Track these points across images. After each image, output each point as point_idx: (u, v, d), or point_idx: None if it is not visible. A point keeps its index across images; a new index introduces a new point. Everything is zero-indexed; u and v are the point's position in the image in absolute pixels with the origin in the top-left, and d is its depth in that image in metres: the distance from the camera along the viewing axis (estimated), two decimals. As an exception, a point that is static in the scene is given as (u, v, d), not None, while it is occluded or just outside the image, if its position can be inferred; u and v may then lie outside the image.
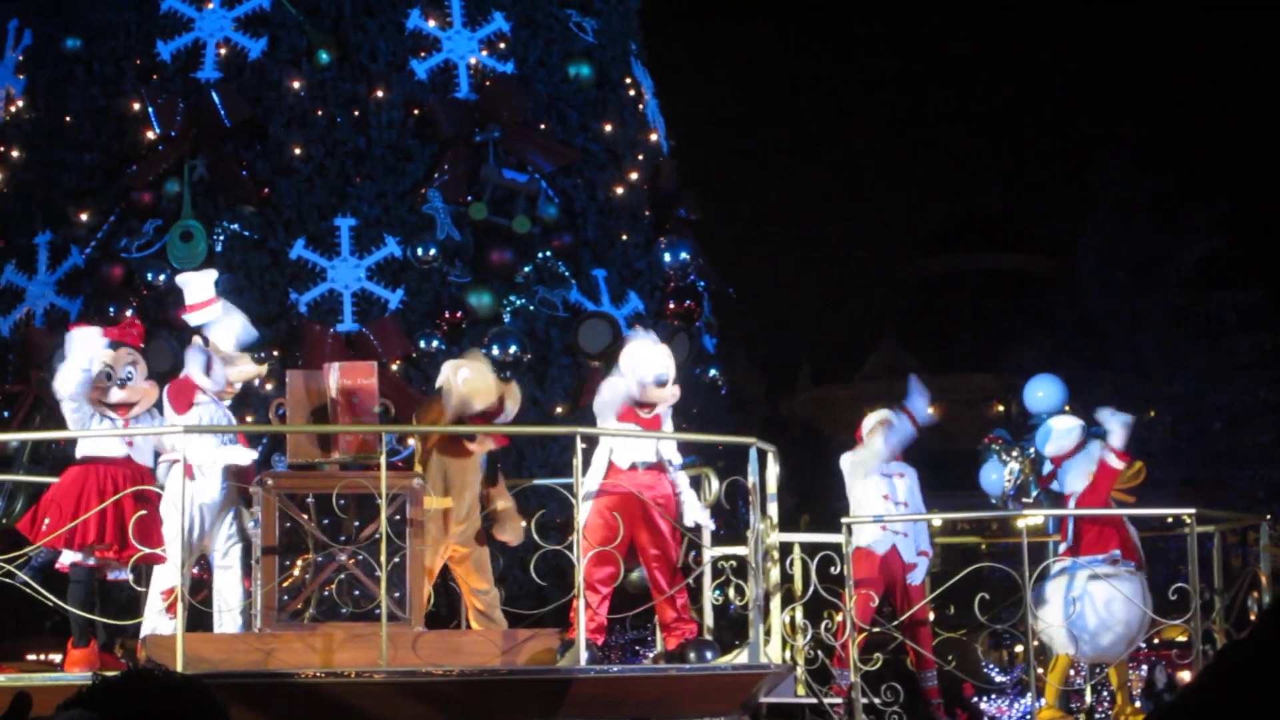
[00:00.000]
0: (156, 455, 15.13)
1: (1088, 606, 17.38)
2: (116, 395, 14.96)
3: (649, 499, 15.53)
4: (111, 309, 22.64)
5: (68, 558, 14.90)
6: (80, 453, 15.04)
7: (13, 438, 20.49)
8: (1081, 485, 17.88)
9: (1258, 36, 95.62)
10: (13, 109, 25.62)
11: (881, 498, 17.89)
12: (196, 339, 15.81)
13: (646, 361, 15.77)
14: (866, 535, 17.70)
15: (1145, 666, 26.76)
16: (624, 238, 25.19)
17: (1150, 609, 17.44)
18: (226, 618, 15.36)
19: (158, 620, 14.98)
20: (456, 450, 15.76)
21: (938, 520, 18.81)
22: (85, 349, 15.02)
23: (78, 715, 3.72)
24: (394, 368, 22.35)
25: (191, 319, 16.13)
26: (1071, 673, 18.40)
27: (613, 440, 15.67)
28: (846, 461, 17.96)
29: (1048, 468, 18.51)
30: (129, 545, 14.62)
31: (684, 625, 15.82)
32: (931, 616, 18.22)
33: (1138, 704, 18.22)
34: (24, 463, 20.83)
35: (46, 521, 14.63)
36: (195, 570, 15.41)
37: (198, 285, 16.40)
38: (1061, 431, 18.17)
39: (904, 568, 17.83)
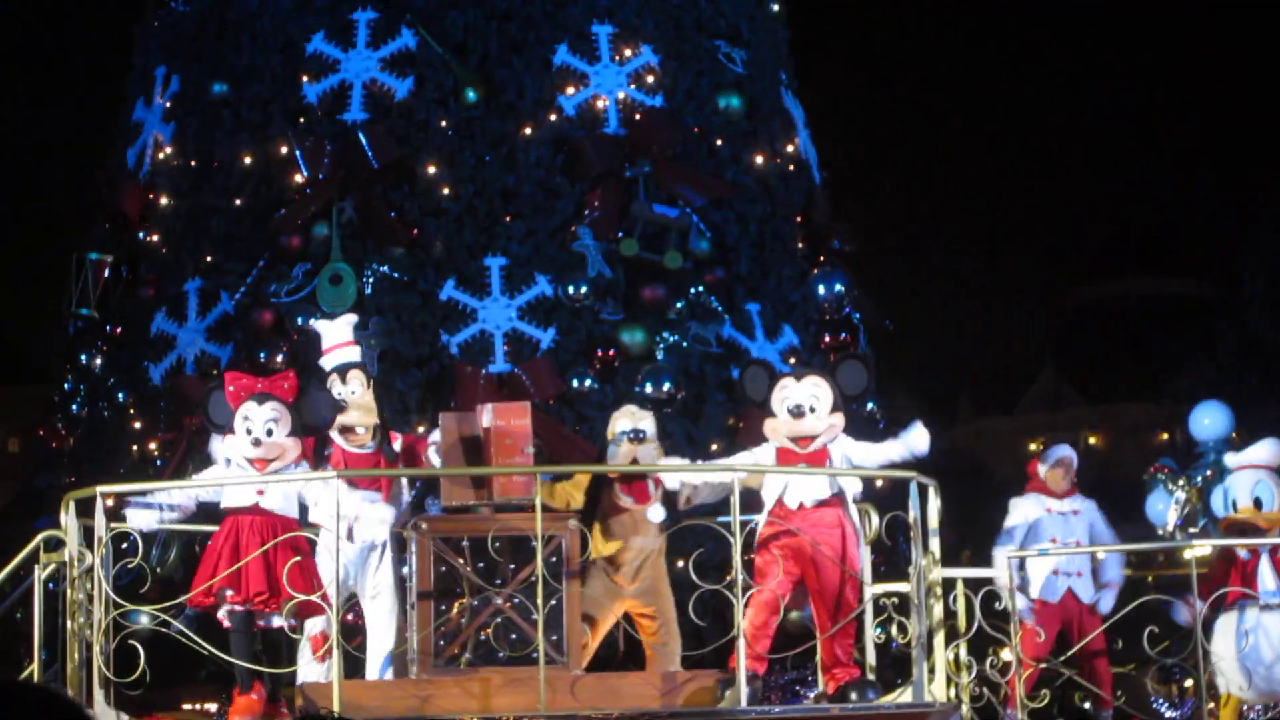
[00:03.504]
0: (303, 506, 15.20)
1: (1262, 640, 17.21)
2: (251, 451, 15.01)
3: (814, 538, 15.53)
4: (262, 355, 22.83)
5: (223, 610, 15.04)
6: (222, 504, 15.24)
7: (164, 486, 20.63)
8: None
9: None
10: (161, 155, 25.87)
11: (1050, 540, 17.88)
12: (334, 378, 15.94)
13: (788, 394, 15.82)
14: (1037, 588, 17.70)
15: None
16: (778, 272, 25.16)
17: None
18: (372, 660, 15.50)
19: (310, 668, 15.09)
20: (610, 502, 15.90)
21: (1102, 554, 18.65)
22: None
23: None
24: (547, 407, 22.37)
25: (326, 362, 16.25)
26: (1245, 709, 18.20)
27: (780, 478, 15.68)
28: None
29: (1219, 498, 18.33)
30: (281, 592, 14.73)
31: (846, 669, 15.76)
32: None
33: None
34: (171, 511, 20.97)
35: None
36: (349, 616, 15.51)
37: (335, 329, 16.55)
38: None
39: (1080, 608, 17.76)
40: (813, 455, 15.70)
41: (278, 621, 14.88)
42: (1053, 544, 17.77)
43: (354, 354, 16.34)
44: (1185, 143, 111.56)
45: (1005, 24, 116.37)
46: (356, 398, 15.78)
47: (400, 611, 15.55)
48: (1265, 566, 17.38)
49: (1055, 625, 17.54)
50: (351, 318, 16.91)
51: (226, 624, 15.09)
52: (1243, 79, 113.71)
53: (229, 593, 14.71)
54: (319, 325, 16.98)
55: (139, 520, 15.22)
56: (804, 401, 15.77)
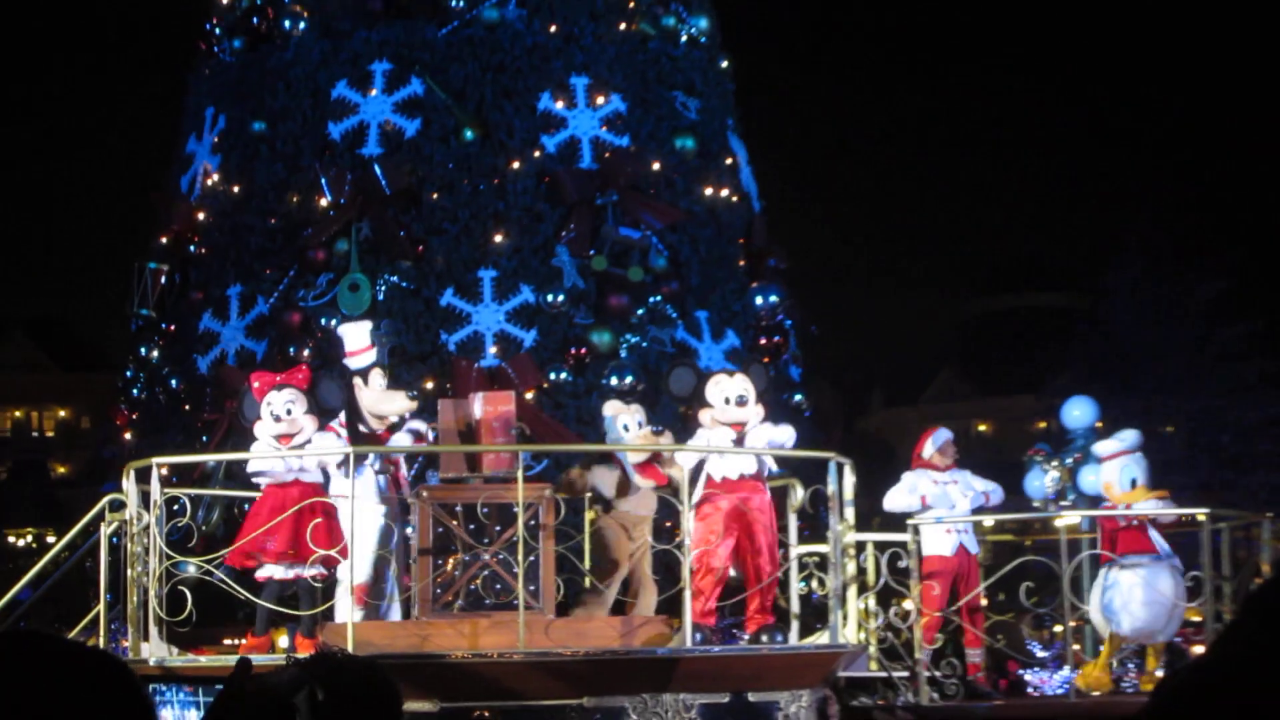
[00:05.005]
0: (326, 472, 15.33)
1: (1115, 593, 17.42)
2: (275, 428, 15.20)
3: (748, 508, 15.65)
4: (291, 349, 22.88)
5: (263, 570, 15.20)
6: (257, 478, 15.42)
7: (210, 458, 20.69)
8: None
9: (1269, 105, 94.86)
10: (209, 181, 25.86)
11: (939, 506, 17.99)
12: (356, 380, 16.07)
13: (725, 387, 15.91)
14: (933, 544, 17.77)
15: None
16: (723, 285, 25.21)
17: (1177, 595, 17.40)
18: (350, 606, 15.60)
19: (349, 612, 15.20)
20: (625, 479, 15.91)
21: (989, 521, 18.77)
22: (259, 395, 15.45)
23: (294, 674, 3.87)
24: (529, 396, 22.41)
25: (351, 364, 16.36)
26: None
27: (713, 458, 15.77)
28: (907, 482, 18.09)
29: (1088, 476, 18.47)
30: (306, 549, 14.86)
31: (763, 616, 15.90)
32: (985, 602, 18.20)
33: (1120, 672, 18.18)
34: (219, 479, 21.02)
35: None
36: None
37: (356, 334, 16.64)
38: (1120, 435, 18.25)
39: (970, 559, 17.86)
40: (743, 438, 15.85)
41: (309, 571, 15.01)
42: (943, 509, 17.86)
43: (373, 357, 16.47)
44: (1062, 179, 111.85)
45: (914, 80, 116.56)
46: (376, 395, 16.00)
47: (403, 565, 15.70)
48: (1154, 532, 17.59)
49: (949, 579, 17.63)
50: (367, 324, 17.02)
51: (262, 578, 15.23)
52: (1109, 129, 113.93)
53: (268, 544, 14.90)
54: (342, 331, 17.09)
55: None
56: (742, 393, 15.90)
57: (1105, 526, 17.80)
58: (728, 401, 15.87)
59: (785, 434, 16.22)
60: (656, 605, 15.69)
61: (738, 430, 15.84)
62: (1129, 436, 18.32)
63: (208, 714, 3.78)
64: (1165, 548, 17.59)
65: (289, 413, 15.22)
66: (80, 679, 3.14)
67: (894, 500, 17.86)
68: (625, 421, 16.05)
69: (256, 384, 15.58)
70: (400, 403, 16.06)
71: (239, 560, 15.24)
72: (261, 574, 15.18)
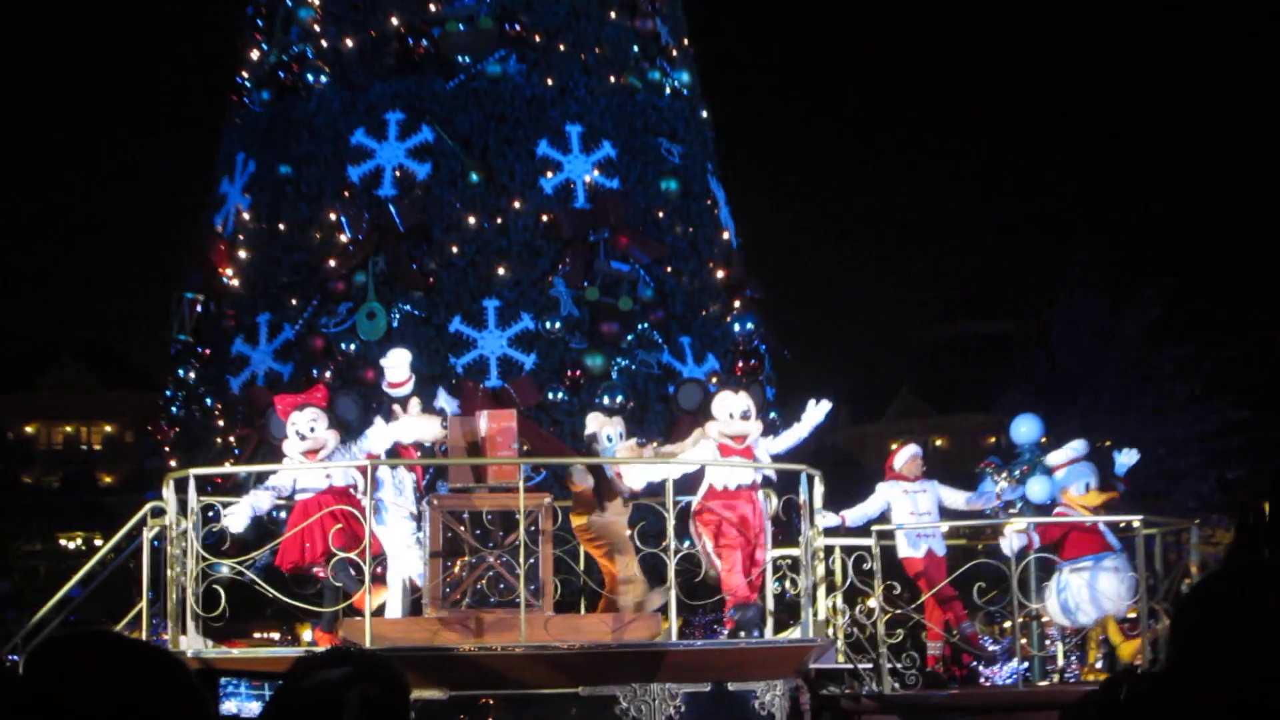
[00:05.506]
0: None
1: (1068, 594, 17.49)
2: (304, 445, 15.25)
3: (732, 516, 15.59)
4: (314, 371, 22.81)
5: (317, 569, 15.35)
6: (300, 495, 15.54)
7: (242, 470, 20.63)
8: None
9: (1192, 155, 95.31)
10: (240, 219, 25.81)
11: (908, 513, 18.03)
12: (396, 408, 16.15)
13: (731, 403, 15.86)
14: (904, 548, 17.87)
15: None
16: (704, 313, 25.18)
17: (1121, 587, 17.46)
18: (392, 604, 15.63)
19: (393, 607, 15.32)
20: (607, 484, 15.87)
21: (945, 527, 18.74)
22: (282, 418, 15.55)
23: (346, 671, 3.85)
24: (529, 414, 22.35)
25: (393, 393, 16.42)
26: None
27: (713, 469, 15.74)
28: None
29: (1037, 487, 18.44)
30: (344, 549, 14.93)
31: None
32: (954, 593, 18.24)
33: (1099, 665, 18.22)
34: (250, 488, 20.94)
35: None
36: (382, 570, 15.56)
37: (397, 367, 16.64)
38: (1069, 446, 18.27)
39: (937, 561, 17.92)
40: (745, 450, 15.80)
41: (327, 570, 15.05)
42: (911, 515, 17.92)
43: (411, 386, 16.53)
44: (1011, 217, 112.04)
45: (878, 128, 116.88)
46: (415, 420, 16.07)
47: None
48: (1107, 530, 17.65)
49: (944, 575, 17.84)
50: (407, 354, 17.00)
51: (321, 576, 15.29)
52: (1054, 171, 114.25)
53: (308, 547, 15.00)
54: (385, 363, 17.08)
55: (235, 521, 15.42)
56: (746, 408, 15.86)
57: (1052, 532, 17.79)
58: (732, 416, 15.84)
59: (815, 414, 16.34)
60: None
61: (739, 442, 15.80)
62: (1079, 445, 18.38)
63: (267, 706, 3.81)
64: (1118, 544, 17.66)
65: (312, 430, 15.28)
66: (142, 673, 3.19)
67: (862, 510, 17.92)
68: (608, 432, 16.07)
69: (280, 406, 15.62)
70: (434, 429, 16.03)
71: (289, 563, 15.31)
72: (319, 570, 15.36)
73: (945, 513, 18.35)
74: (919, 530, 17.84)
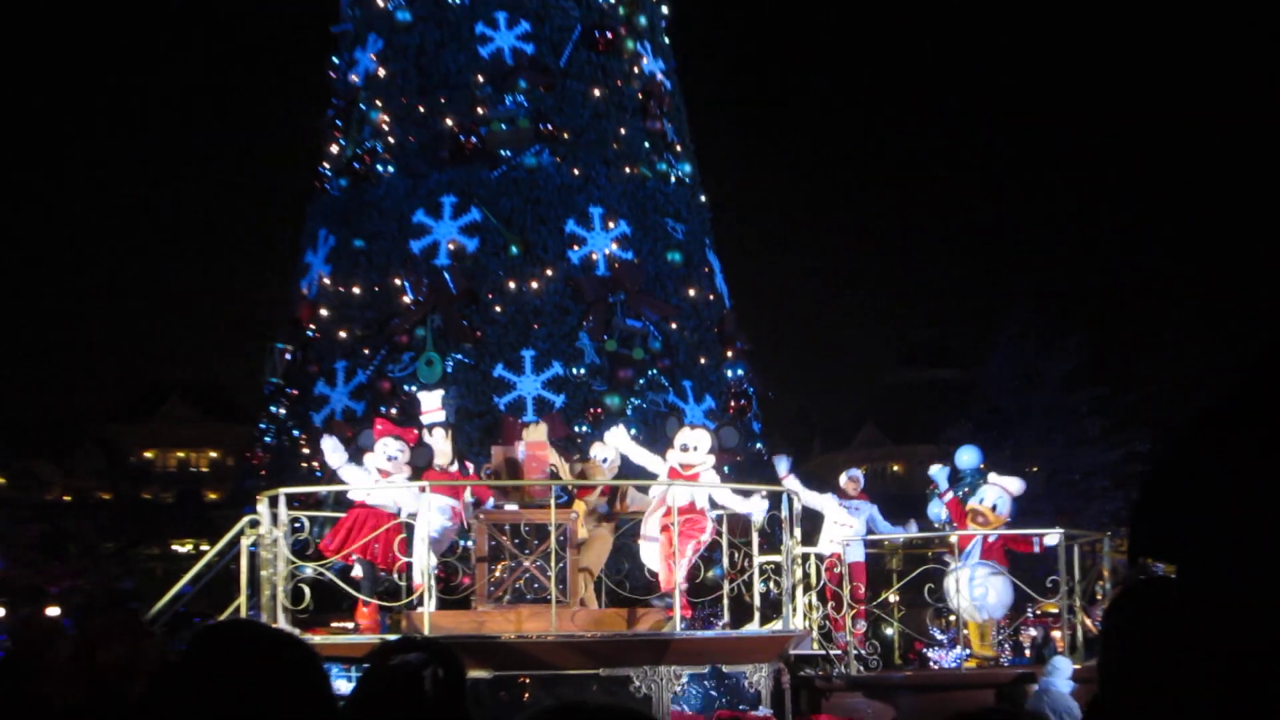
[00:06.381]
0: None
1: (977, 593, 17.63)
2: (384, 464, 15.35)
3: (680, 530, 15.21)
4: (382, 409, 22.89)
5: (358, 568, 15.39)
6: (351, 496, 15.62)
7: (322, 490, 20.73)
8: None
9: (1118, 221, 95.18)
10: (322, 284, 25.93)
11: (833, 521, 18.38)
12: (424, 431, 16.19)
13: (685, 436, 15.76)
14: (854, 555, 18.05)
15: (1034, 629, 26.72)
16: (702, 361, 25.25)
17: (1007, 594, 17.60)
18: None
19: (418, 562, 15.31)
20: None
21: (901, 538, 18.86)
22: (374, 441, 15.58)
23: (422, 656, 3.89)
24: (559, 444, 22.38)
25: (424, 420, 16.45)
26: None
27: (672, 490, 15.51)
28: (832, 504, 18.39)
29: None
30: (392, 556, 15.01)
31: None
32: (896, 599, 18.36)
33: (999, 650, 18.31)
34: (329, 505, 21.03)
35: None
36: (441, 570, 15.62)
37: (430, 401, 16.70)
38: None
39: (858, 566, 18.19)
40: (691, 476, 15.57)
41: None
42: (834, 524, 18.24)
43: (441, 416, 16.52)
44: (954, 280, 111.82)
45: (844, 202, 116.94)
46: (442, 444, 16.01)
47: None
48: (977, 546, 17.73)
49: (862, 578, 17.96)
50: (440, 392, 17.09)
51: (357, 570, 15.37)
52: (987, 238, 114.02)
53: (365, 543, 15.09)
54: (421, 396, 17.14)
55: (335, 459, 15.44)
56: (689, 444, 15.69)
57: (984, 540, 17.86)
58: (684, 448, 15.71)
59: (756, 505, 16.06)
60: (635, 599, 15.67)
61: (686, 469, 15.60)
62: (1015, 483, 18.36)
63: (360, 684, 3.81)
64: (1000, 566, 17.75)
65: (395, 457, 15.38)
66: (283, 654, 3.22)
67: (807, 494, 18.08)
68: (605, 455, 16.29)
69: (380, 426, 15.75)
70: (450, 455, 16.10)
71: (336, 550, 15.47)
72: (356, 573, 15.43)
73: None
74: (832, 537, 18.20)
